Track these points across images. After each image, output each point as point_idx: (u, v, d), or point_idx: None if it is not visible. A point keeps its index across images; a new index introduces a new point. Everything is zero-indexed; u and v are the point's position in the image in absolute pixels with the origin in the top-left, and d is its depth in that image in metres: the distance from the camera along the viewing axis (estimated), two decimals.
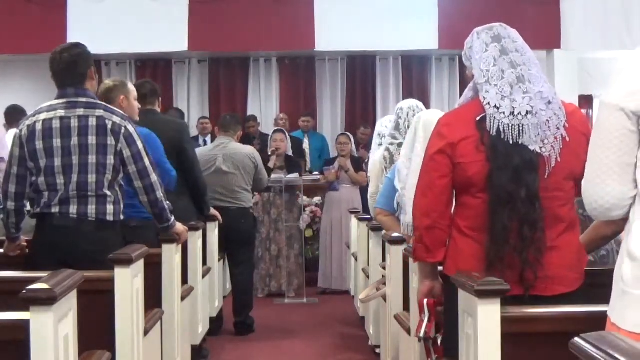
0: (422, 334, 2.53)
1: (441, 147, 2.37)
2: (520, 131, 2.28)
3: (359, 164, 7.35)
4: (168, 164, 4.10)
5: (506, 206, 2.27)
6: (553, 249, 2.30)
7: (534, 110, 2.29)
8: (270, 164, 6.79)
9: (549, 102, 2.31)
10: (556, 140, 2.30)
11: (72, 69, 3.17)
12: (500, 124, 2.29)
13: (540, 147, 2.29)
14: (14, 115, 5.97)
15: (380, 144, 5.19)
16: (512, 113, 2.29)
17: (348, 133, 8.00)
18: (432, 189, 2.40)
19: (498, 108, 2.30)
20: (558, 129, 2.30)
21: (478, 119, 2.33)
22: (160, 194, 3.26)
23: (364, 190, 7.17)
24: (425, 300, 2.51)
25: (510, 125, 2.28)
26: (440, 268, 2.50)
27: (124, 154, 3.14)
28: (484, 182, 2.31)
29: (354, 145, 7.66)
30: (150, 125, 4.47)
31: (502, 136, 2.29)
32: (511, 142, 2.28)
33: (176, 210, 4.51)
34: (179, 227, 3.53)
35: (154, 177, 3.23)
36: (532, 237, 2.26)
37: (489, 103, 2.31)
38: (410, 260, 3.06)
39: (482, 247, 2.30)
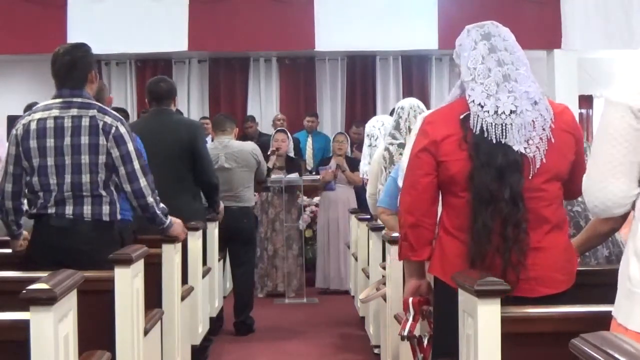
0: (405, 333, 2.51)
1: (425, 145, 2.35)
2: (504, 130, 2.25)
3: (354, 164, 7.36)
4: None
5: (488, 205, 2.24)
6: (538, 249, 2.27)
7: (519, 110, 2.26)
8: (270, 164, 6.78)
9: (535, 103, 2.28)
10: (541, 141, 2.27)
11: (71, 71, 3.14)
12: (483, 122, 2.26)
13: (525, 148, 2.26)
14: None
15: (370, 145, 5.19)
16: (496, 112, 2.26)
17: (345, 132, 8.02)
18: (415, 186, 2.38)
19: (482, 106, 2.27)
20: (544, 129, 2.27)
21: (462, 117, 2.31)
22: (151, 198, 3.19)
23: (358, 190, 7.20)
24: (411, 299, 2.50)
25: (494, 124, 2.25)
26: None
27: (113, 154, 3.10)
28: (466, 180, 2.29)
29: (350, 146, 7.67)
30: (163, 125, 4.47)
31: (486, 135, 2.26)
32: (494, 141, 2.25)
33: (191, 212, 4.53)
34: (177, 228, 3.47)
35: (143, 181, 3.15)
36: (516, 237, 2.23)
37: (473, 101, 2.29)
38: None
39: (466, 247, 2.28)
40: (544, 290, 2.28)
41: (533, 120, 2.27)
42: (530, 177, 2.27)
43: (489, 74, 2.30)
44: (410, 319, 2.50)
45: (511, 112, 2.26)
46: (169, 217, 3.36)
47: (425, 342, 2.56)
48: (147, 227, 3.47)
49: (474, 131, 2.27)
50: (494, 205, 2.24)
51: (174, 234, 3.48)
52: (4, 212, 3.22)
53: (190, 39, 8.41)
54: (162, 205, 3.30)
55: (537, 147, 2.26)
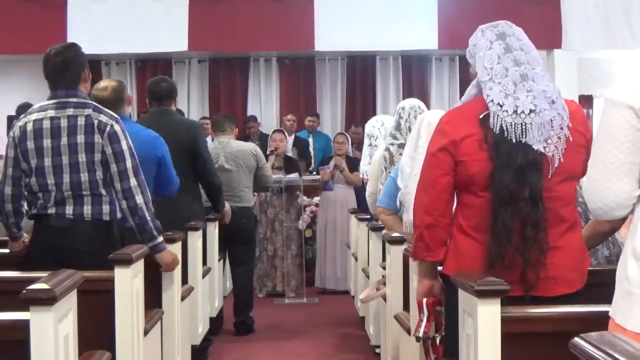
0: (420, 334, 2.52)
1: (443, 145, 2.35)
2: (524, 130, 2.26)
3: (354, 164, 7.36)
4: (173, 171, 4.02)
5: (508, 205, 2.25)
6: (556, 249, 2.29)
7: (537, 109, 2.27)
8: (268, 164, 6.78)
9: (553, 102, 2.30)
10: (559, 140, 2.28)
11: (64, 71, 3.13)
12: (503, 122, 2.27)
13: (544, 147, 2.27)
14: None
15: (370, 145, 5.21)
16: (516, 111, 2.27)
17: (345, 133, 8.01)
18: (434, 186, 2.38)
19: (501, 106, 2.28)
20: (562, 128, 2.29)
21: (481, 116, 2.32)
22: (140, 199, 3.11)
23: (358, 190, 7.20)
24: (424, 300, 2.51)
25: (514, 123, 2.26)
26: (439, 268, 2.49)
27: (106, 151, 3.09)
28: (486, 180, 2.29)
29: (350, 146, 7.67)
30: (163, 125, 4.46)
31: (506, 134, 2.27)
32: (514, 140, 2.26)
33: (190, 212, 4.52)
34: (167, 255, 3.29)
35: (133, 181, 3.10)
36: (535, 237, 2.25)
37: (492, 100, 2.29)
38: (411, 260, 3.05)
39: (484, 247, 2.29)
40: (561, 290, 2.30)
41: (551, 119, 2.28)
42: (549, 177, 2.28)
43: (506, 73, 2.31)
44: (425, 319, 2.50)
45: (530, 111, 2.27)
46: (162, 238, 3.22)
47: (438, 341, 2.57)
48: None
49: (494, 131, 2.28)
50: (513, 205, 2.25)
51: (162, 261, 3.29)
52: (4, 214, 3.21)
53: (190, 39, 8.41)
54: (157, 222, 3.18)
55: (555, 146, 2.28)
